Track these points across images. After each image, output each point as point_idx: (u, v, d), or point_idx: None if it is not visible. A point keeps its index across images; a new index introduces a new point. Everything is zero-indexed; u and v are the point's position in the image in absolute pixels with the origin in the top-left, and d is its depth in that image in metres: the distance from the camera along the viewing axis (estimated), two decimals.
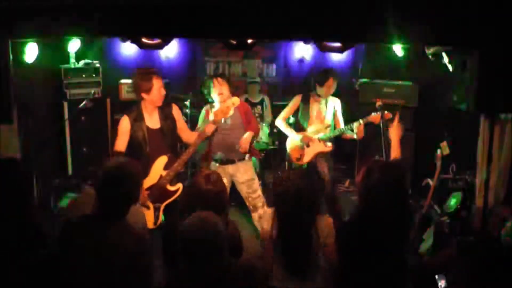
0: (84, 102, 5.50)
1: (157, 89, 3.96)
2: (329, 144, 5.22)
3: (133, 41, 4.90)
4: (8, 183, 2.51)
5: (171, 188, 3.98)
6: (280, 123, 5.33)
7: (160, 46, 5.05)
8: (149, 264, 2.46)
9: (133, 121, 3.98)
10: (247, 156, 4.70)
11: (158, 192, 3.92)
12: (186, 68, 7.20)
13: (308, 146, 5.21)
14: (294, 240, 2.80)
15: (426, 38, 3.51)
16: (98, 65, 6.17)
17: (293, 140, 5.30)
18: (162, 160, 3.96)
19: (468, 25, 3.22)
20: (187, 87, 6.70)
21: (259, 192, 4.73)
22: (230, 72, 7.23)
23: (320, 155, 5.23)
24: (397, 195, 2.55)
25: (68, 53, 5.96)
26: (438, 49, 4.32)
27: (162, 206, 3.94)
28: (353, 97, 6.39)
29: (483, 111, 3.70)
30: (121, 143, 3.96)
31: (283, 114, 5.34)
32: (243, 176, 4.65)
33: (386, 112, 4.85)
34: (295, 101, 5.30)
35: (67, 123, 5.87)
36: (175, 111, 4.17)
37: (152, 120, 4.05)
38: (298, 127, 5.32)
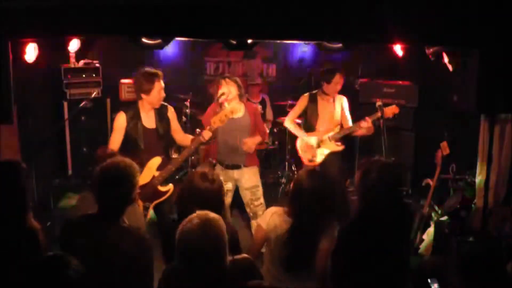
0: (83, 102, 5.50)
1: (157, 91, 3.97)
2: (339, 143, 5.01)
3: (133, 41, 4.90)
4: (6, 187, 2.49)
5: (162, 188, 3.99)
6: (289, 124, 5.12)
7: (160, 46, 5.06)
8: (149, 264, 2.45)
9: (129, 118, 3.98)
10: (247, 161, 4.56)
11: (149, 192, 3.92)
12: (186, 68, 7.20)
13: (319, 146, 5.00)
14: (303, 240, 2.75)
15: (426, 38, 3.51)
16: (98, 65, 6.18)
17: (306, 141, 5.02)
18: (156, 161, 3.97)
19: (468, 25, 3.22)
20: (187, 87, 6.69)
21: (262, 200, 4.60)
22: (230, 72, 7.23)
23: (331, 155, 5.01)
24: (396, 194, 2.55)
25: (68, 53, 5.96)
26: (438, 49, 4.33)
27: (152, 206, 3.96)
28: (353, 97, 6.39)
29: (483, 111, 3.70)
30: (116, 140, 3.98)
31: (291, 115, 5.10)
32: (248, 182, 4.54)
33: (394, 105, 4.82)
34: (302, 101, 5.06)
35: (67, 123, 5.87)
36: (171, 112, 4.19)
37: (148, 120, 4.06)
38: (307, 127, 5.09)
